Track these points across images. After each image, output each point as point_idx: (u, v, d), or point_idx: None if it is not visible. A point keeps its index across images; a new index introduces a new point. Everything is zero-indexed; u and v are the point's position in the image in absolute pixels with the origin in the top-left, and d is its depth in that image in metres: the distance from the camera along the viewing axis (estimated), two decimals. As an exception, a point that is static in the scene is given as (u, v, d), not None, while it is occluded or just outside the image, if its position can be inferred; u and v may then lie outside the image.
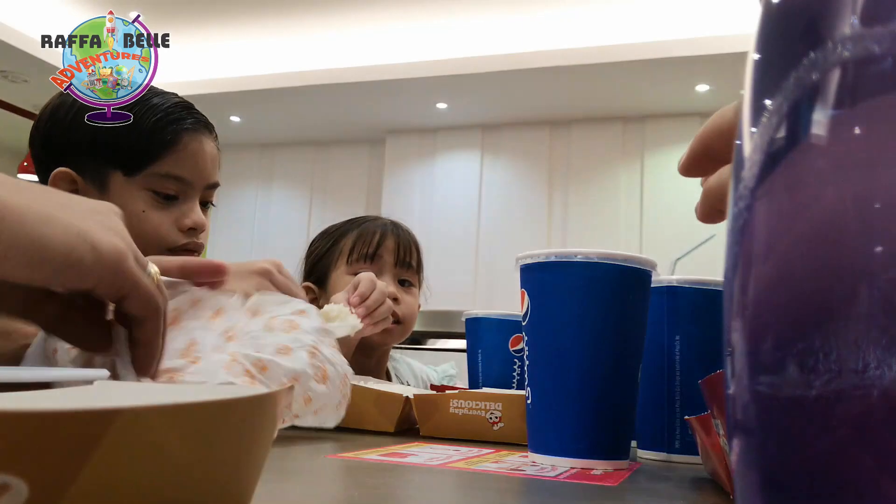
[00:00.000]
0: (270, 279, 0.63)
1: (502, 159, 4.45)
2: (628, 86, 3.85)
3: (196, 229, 0.86)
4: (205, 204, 0.90)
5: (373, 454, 0.54)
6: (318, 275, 1.13)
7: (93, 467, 0.18)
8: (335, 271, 1.11)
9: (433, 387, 1.08)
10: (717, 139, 0.38)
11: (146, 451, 0.19)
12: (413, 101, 4.22)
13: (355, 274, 1.00)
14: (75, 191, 0.82)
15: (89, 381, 0.35)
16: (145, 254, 0.82)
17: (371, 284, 0.90)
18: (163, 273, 0.48)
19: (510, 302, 0.84)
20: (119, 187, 0.82)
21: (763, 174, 0.17)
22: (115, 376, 0.43)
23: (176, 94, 0.88)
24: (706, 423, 0.47)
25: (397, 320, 1.09)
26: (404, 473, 0.48)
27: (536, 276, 0.58)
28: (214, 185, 0.89)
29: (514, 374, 0.99)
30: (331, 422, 0.56)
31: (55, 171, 0.82)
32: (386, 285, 0.94)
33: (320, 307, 1.07)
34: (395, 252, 1.11)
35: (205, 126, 0.88)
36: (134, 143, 0.82)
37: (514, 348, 0.99)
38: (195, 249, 0.86)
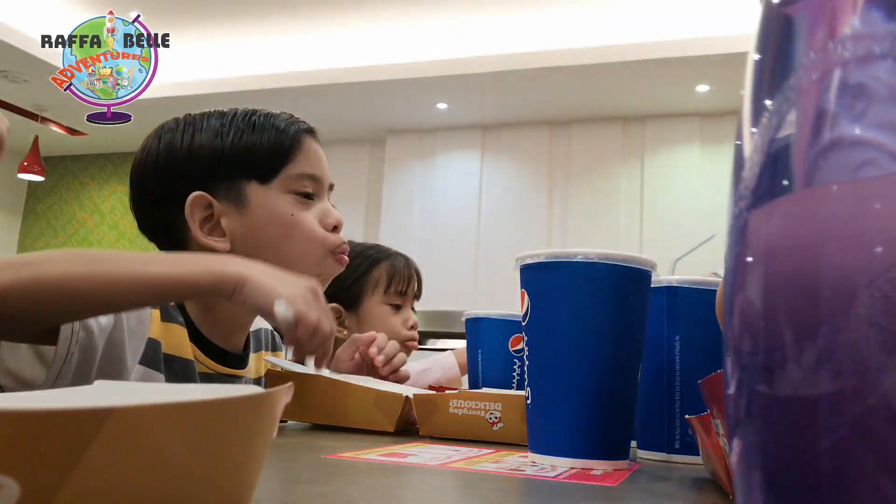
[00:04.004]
0: (315, 299, 0.67)
1: (502, 159, 4.45)
2: (628, 86, 3.85)
3: (338, 227, 0.85)
4: None
5: (373, 454, 0.54)
6: (345, 297, 1.30)
7: (85, 466, 0.18)
8: (370, 298, 1.30)
9: (433, 387, 1.08)
10: None
11: (141, 450, 0.19)
12: (413, 101, 4.22)
13: (389, 304, 1.29)
14: (211, 215, 0.80)
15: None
16: (307, 258, 0.82)
17: (385, 340, 1.03)
18: None
19: (510, 302, 0.84)
20: (260, 197, 0.81)
21: (763, 174, 0.17)
22: None
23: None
24: (706, 423, 0.47)
25: (412, 339, 1.34)
26: (404, 473, 0.48)
27: (536, 276, 0.58)
28: (332, 187, 0.89)
29: (514, 374, 0.99)
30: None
31: (191, 196, 0.79)
32: (386, 338, 1.05)
33: (346, 327, 1.25)
34: (417, 289, 1.37)
35: (313, 131, 0.88)
36: (265, 149, 0.81)
37: (514, 348, 0.99)
38: (346, 251, 0.86)
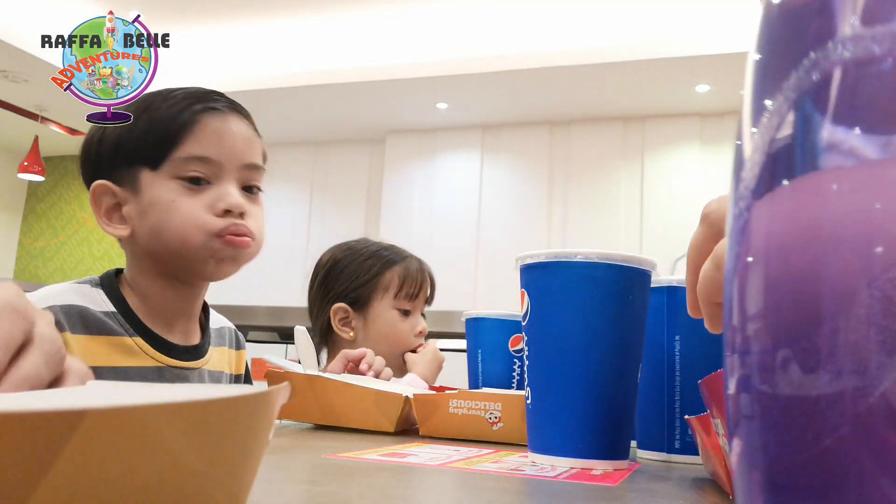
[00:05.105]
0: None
1: (502, 159, 4.44)
2: (628, 86, 3.85)
3: (232, 211, 0.80)
4: (249, 189, 0.84)
5: (373, 454, 0.54)
6: (354, 297, 1.28)
7: (61, 468, 0.18)
8: (380, 302, 1.27)
9: (432, 387, 1.08)
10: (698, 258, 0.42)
11: (121, 451, 0.19)
12: (413, 101, 4.22)
13: (398, 308, 1.27)
14: (117, 203, 0.81)
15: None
16: (187, 243, 0.80)
17: (373, 356, 1.04)
18: None
19: (510, 302, 0.84)
20: (148, 184, 0.80)
21: (763, 174, 0.17)
22: None
23: (202, 87, 0.86)
24: (706, 423, 0.47)
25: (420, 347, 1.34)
26: (404, 473, 0.48)
27: (536, 276, 0.58)
28: (253, 167, 0.84)
29: (514, 374, 0.99)
30: None
31: (94, 185, 0.81)
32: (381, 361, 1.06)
33: (352, 328, 1.25)
34: (428, 293, 1.35)
35: (231, 107, 0.84)
36: (152, 133, 0.80)
37: (514, 348, 0.99)
38: (241, 233, 0.81)
